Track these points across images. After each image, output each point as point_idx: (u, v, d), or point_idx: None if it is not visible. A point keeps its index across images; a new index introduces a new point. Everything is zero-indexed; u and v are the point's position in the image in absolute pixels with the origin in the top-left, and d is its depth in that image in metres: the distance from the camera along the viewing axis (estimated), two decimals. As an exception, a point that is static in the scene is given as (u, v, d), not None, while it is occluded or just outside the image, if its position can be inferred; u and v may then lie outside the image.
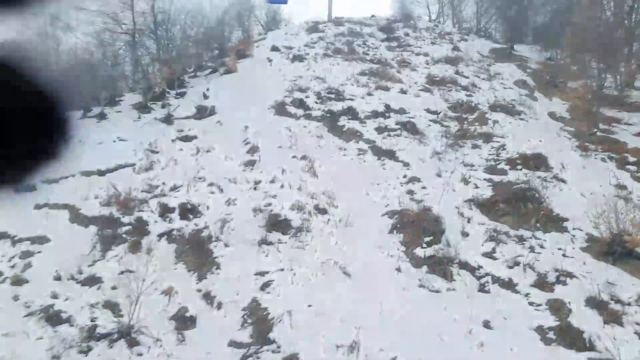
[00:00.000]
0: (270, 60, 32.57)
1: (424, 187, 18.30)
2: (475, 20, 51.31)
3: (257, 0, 45.87)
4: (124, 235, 15.37)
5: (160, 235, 15.35)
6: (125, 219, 15.96)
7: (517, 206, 16.32)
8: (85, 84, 25.36)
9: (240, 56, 32.90)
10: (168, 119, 23.73)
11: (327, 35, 39.74)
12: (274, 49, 35.48)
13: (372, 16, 50.86)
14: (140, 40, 28.72)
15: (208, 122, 23.54)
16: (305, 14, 67.93)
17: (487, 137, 21.59)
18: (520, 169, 18.68)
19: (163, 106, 25.25)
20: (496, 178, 18.46)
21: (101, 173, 18.72)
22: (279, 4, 40.65)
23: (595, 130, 21.58)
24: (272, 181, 18.14)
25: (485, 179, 18.56)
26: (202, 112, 24.42)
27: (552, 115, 24.26)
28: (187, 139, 22.15)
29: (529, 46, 37.52)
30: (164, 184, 18.10)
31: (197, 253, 14.57)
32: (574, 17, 31.27)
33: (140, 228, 15.62)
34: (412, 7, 55.67)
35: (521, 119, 23.24)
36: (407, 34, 41.71)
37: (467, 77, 29.84)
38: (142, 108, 25.32)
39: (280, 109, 24.54)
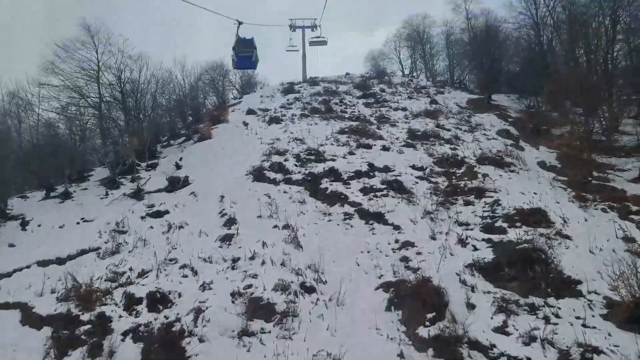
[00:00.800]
0: (246, 124, 31.62)
1: (419, 253, 16.73)
2: (448, 73, 52.02)
3: (231, 65, 45.77)
4: (83, 337, 13.23)
5: (125, 334, 13.26)
6: (85, 316, 13.88)
7: (524, 269, 14.77)
8: (50, 161, 23.77)
9: (215, 122, 31.97)
10: (138, 194, 22.14)
11: (303, 95, 39.34)
12: (250, 112, 34.73)
13: (347, 74, 51.20)
14: (108, 112, 27.49)
15: (181, 195, 21.99)
16: (281, 75, 68.29)
17: (479, 192, 20.37)
18: (520, 226, 17.31)
19: (133, 180, 23.71)
20: (495, 237, 17.03)
21: (61, 261, 16.78)
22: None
23: (590, 178, 20.59)
24: (252, 257, 16.38)
25: (483, 239, 17.12)
26: (175, 184, 22.91)
27: (542, 164, 23.32)
28: (158, 214, 20.47)
29: (506, 95, 37.48)
30: (131, 269, 16.19)
31: (168, 353, 12.50)
32: (550, 65, 31.31)
33: (103, 326, 13.53)
34: (384, 64, 56.56)
35: (511, 171, 22.19)
36: (383, 90, 41.63)
37: (448, 130, 29.17)
38: (111, 183, 23.72)
39: (258, 174, 23.17)
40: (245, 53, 26.04)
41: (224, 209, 20.07)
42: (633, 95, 25.86)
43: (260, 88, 47.51)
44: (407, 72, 57.20)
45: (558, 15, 34.49)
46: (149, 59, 31.79)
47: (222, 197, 21.07)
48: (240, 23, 23.99)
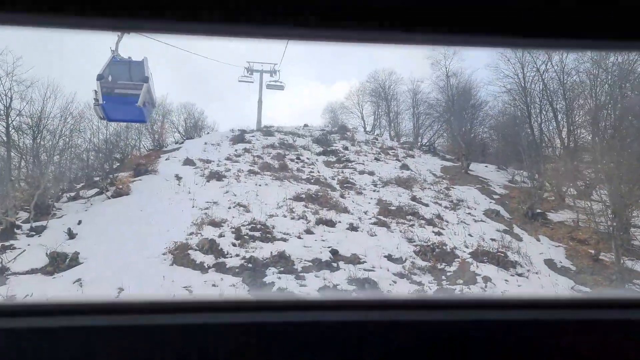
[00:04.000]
0: (179, 179, 25.33)
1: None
2: (413, 133, 48.08)
3: (175, 105, 40.03)
4: None
5: None
6: None
7: None
8: None
9: (139, 172, 25.47)
10: (-2, 276, 15.28)
11: (254, 146, 33.58)
12: (188, 162, 28.50)
13: (305, 126, 46.13)
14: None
15: (62, 282, 15.27)
16: (230, 115, 62.07)
17: (482, 306, 14.90)
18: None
19: (-1, 252, 16.80)
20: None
21: None
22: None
23: (626, 294, 15.65)
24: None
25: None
26: (58, 263, 16.18)
27: (551, 264, 18.28)
28: (16, 314, 13.66)
29: (484, 165, 33.26)
30: None
31: None
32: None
33: None
34: (344, 118, 52.21)
35: (519, 274, 16.95)
36: (346, 148, 36.51)
37: (427, 205, 24.05)
38: (-34, 254, 16.70)
39: (180, 255, 16.94)
40: (125, 90, 13.72)
41: (118, 313, 13.54)
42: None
43: (207, 134, 41.50)
44: (369, 128, 52.90)
45: (550, 79, 31.00)
46: (58, 88, 25.42)
47: (120, 290, 14.54)
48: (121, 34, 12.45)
